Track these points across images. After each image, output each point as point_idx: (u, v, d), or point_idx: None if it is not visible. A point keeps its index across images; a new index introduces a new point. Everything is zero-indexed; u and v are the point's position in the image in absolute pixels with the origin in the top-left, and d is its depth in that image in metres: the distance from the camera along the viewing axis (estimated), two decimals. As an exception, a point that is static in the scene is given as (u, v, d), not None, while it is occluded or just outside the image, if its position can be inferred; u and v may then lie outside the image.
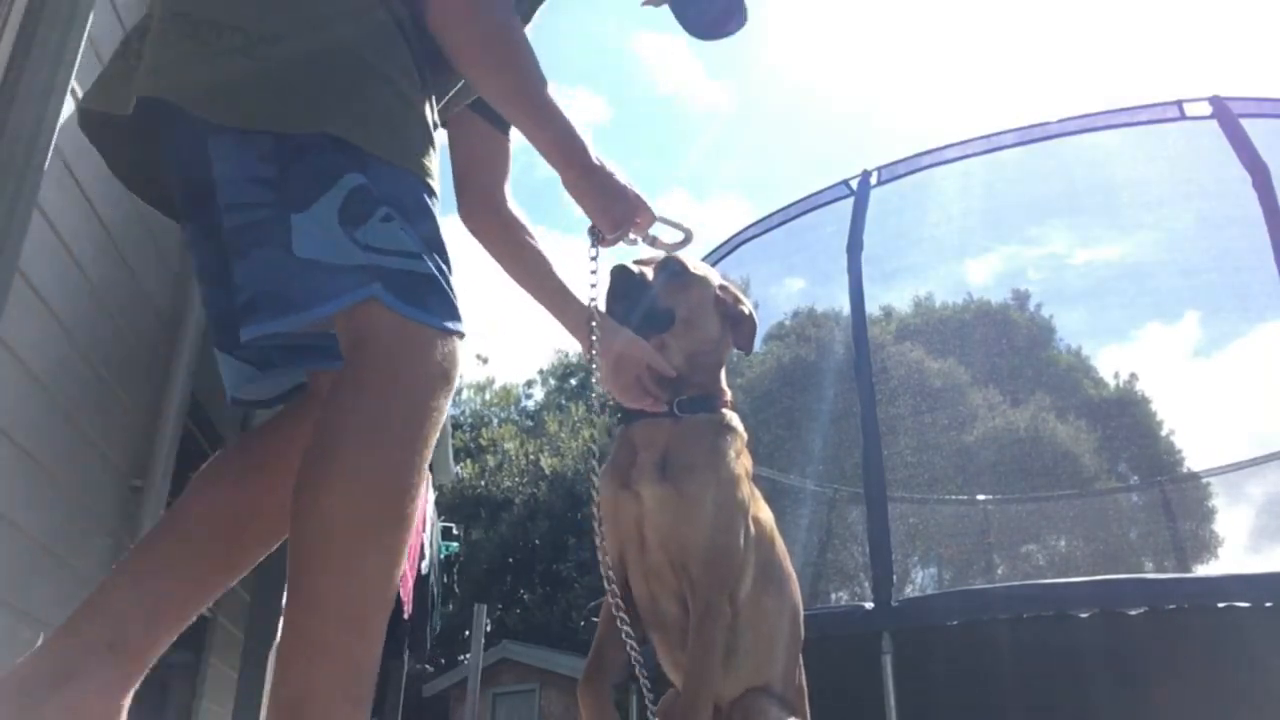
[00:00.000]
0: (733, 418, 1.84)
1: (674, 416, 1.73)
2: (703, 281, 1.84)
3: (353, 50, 1.09)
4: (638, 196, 1.47)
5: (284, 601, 1.05)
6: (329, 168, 1.03)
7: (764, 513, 1.84)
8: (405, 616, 5.08)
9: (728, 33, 1.61)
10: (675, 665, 1.78)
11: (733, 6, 1.60)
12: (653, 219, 1.54)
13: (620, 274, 1.72)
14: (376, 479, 0.99)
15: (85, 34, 1.73)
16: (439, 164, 1.18)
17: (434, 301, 1.05)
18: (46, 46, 1.66)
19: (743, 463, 1.78)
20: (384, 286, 1.01)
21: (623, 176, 1.42)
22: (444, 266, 1.09)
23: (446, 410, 1.07)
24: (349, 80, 1.08)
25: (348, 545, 0.97)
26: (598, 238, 1.52)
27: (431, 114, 1.21)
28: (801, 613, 1.86)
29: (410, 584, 4.76)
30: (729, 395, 1.87)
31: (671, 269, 1.79)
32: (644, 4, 1.62)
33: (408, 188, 1.09)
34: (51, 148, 1.67)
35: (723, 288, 1.88)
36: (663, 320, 1.74)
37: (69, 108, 1.79)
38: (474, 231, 1.61)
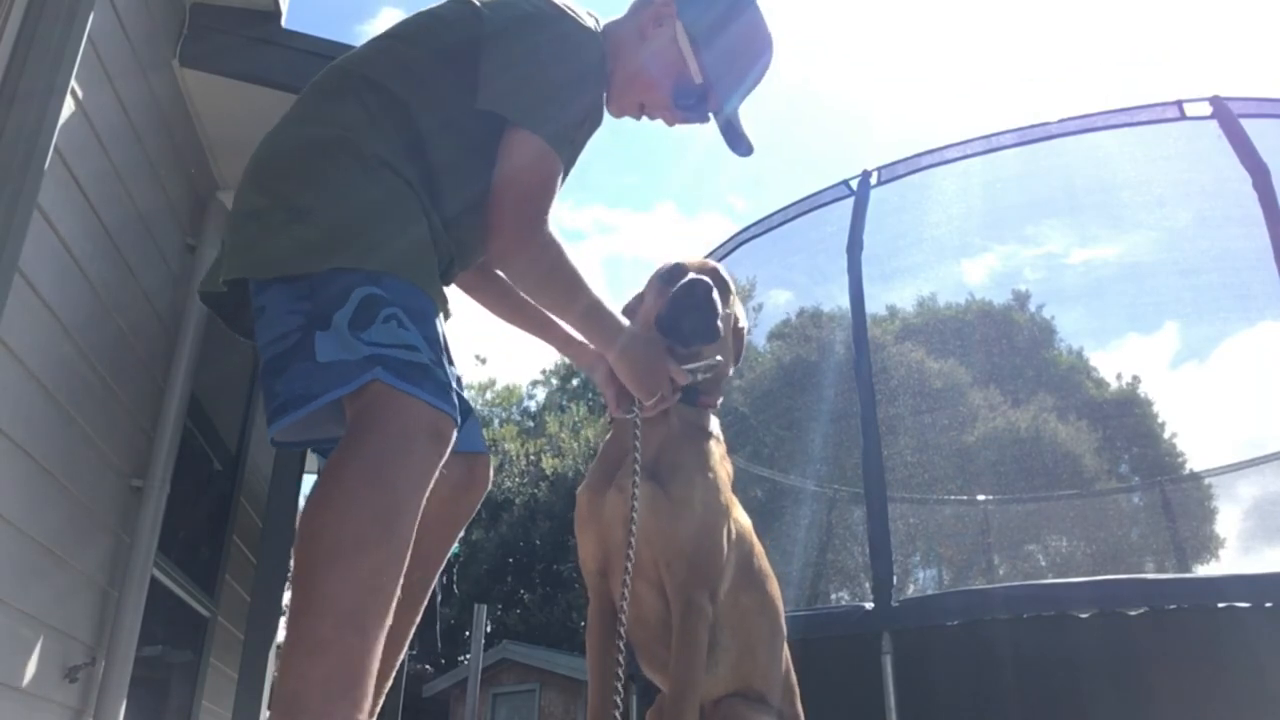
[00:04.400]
0: (715, 424, 1.89)
1: (664, 416, 1.77)
2: (734, 300, 1.92)
3: (372, 203, 1.34)
4: (667, 366, 1.71)
5: (286, 604, 1.14)
6: (344, 288, 1.26)
7: (743, 518, 1.88)
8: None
9: (738, 152, 1.82)
10: (652, 661, 1.80)
11: (742, 143, 1.81)
12: (685, 376, 1.74)
13: (690, 285, 1.76)
14: (370, 501, 1.15)
15: (85, 34, 1.73)
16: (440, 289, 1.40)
17: (428, 385, 1.24)
18: (46, 46, 1.66)
19: (725, 467, 1.83)
20: (384, 369, 1.21)
21: (654, 349, 1.70)
22: (441, 361, 1.29)
23: (437, 458, 1.24)
24: (365, 225, 1.32)
25: (346, 555, 1.11)
26: (638, 406, 1.72)
27: (443, 254, 1.43)
28: (782, 610, 1.88)
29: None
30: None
31: (720, 282, 1.85)
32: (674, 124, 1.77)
33: (413, 298, 1.30)
34: (51, 148, 1.67)
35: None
36: (712, 334, 1.78)
37: (69, 108, 1.79)
38: (466, 290, 1.83)
